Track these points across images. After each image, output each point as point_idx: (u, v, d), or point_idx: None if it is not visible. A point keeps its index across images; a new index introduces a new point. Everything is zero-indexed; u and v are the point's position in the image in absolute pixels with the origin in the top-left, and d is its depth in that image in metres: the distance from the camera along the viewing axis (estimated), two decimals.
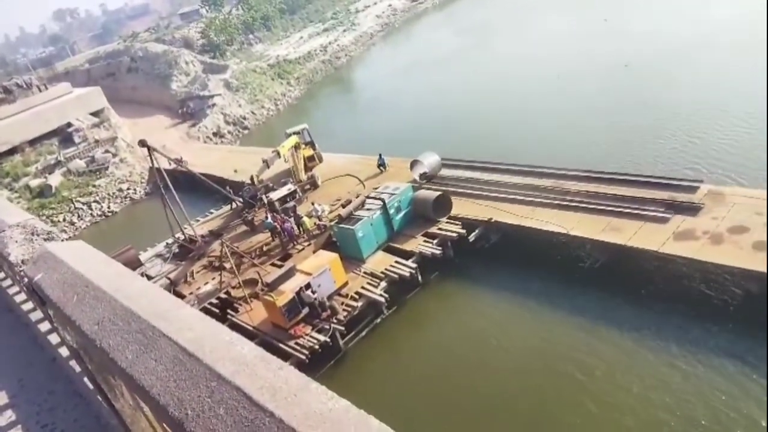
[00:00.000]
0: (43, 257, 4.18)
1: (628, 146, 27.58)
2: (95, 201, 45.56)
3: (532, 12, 66.88)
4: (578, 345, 16.93)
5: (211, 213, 33.62)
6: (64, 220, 43.57)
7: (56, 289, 3.66)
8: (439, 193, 23.78)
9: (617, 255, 19.13)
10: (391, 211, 23.56)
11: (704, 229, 18.01)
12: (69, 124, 50.68)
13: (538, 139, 31.63)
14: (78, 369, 5.03)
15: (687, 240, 17.75)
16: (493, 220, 22.45)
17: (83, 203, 45.20)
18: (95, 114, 52.94)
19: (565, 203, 21.92)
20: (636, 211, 19.87)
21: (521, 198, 23.30)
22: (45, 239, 5.13)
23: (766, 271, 15.03)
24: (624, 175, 22.63)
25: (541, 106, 36.24)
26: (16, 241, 4.94)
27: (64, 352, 5.60)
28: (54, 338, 5.82)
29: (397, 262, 22.04)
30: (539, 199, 22.77)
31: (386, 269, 21.72)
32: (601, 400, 14.93)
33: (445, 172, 27.79)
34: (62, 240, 4.93)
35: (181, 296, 24.60)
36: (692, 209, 19.16)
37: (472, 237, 22.56)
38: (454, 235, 22.54)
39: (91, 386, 4.56)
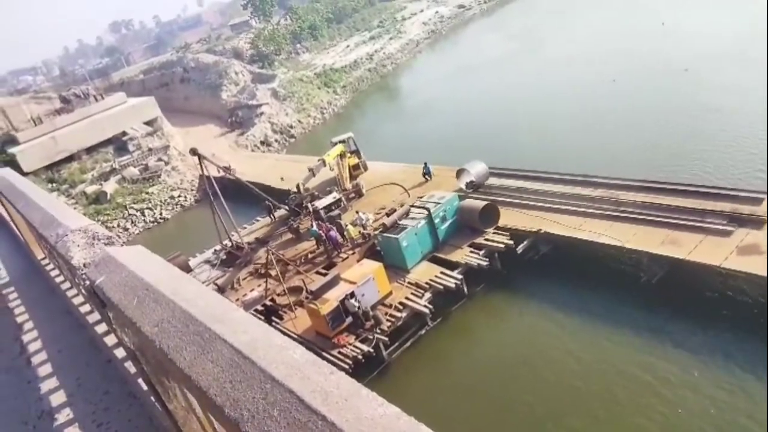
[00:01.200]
0: (104, 261, 4.43)
1: (686, 154, 26.57)
2: (148, 208, 47.61)
3: (582, 15, 65.54)
4: (635, 364, 16.35)
5: (258, 221, 34.44)
6: (118, 225, 45.72)
7: (117, 291, 3.88)
8: (486, 202, 23.59)
9: (676, 270, 18.40)
10: (437, 221, 23.52)
11: None
12: (124, 133, 53.26)
13: (591, 146, 30.91)
14: (133, 370, 5.27)
15: (751, 254, 16.87)
16: (542, 232, 22.08)
17: (137, 210, 47.33)
18: (149, 123, 55.38)
19: (618, 214, 21.35)
20: (696, 224, 19.08)
21: (572, 208, 22.82)
22: (105, 244, 5.42)
23: (766, 275, 14.91)
24: (683, 185, 21.82)
25: (594, 111, 35.41)
26: (78, 245, 5.23)
27: (120, 353, 5.88)
28: (110, 340, 6.13)
29: (442, 272, 21.95)
30: (591, 210, 22.24)
31: (431, 280, 21.67)
32: (667, 424, 14.30)
33: (492, 181, 27.54)
34: (121, 245, 5.20)
35: None
36: (757, 222, 18.23)
37: (520, 248, 22.26)
38: (502, 246, 22.28)
39: (145, 387, 4.78)
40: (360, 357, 18.92)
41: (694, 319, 17.04)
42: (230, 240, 30.25)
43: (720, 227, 18.54)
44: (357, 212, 27.75)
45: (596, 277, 20.42)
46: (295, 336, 21.13)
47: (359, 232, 26.60)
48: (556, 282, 21.27)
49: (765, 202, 18.93)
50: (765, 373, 13.62)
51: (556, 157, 29.81)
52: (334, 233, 25.93)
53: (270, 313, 23.38)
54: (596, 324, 18.44)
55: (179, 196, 48.83)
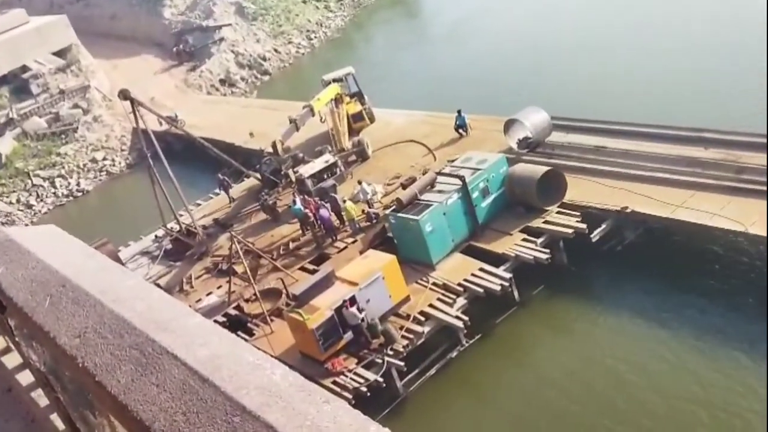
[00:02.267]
0: (1, 247, 4.51)
1: None
2: (60, 175, 48.03)
3: None
4: (740, 411, 16.44)
5: (216, 195, 34.63)
6: (18, 201, 46.23)
7: (21, 289, 3.95)
8: (547, 168, 23.55)
9: None
10: (475, 195, 23.57)
11: None
12: (24, 68, 53.44)
13: (697, 87, 30.59)
14: (44, 402, 5.37)
15: None
16: (628, 210, 22.05)
17: (44, 178, 47.78)
18: (60, 54, 55.46)
19: (739, 185, 21.16)
20: None
21: (672, 177, 22.69)
22: (2, 223, 5.48)
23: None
24: None
25: (697, 37, 34.97)
26: None
27: (24, 378, 5.98)
28: (12, 359, 6.24)
29: (482, 269, 22.05)
30: (700, 180, 22.10)
31: (466, 280, 21.78)
32: None
33: (555, 137, 27.45)
34: (25, 225, 5.28)
35: None
36: None
37: (596, 234, 22.25)
38: (570, 231, 22.31)
39: (61, 427, 4.88)
40: (364, 389, 19.09)
41: None
42: (178, 222, 30.45)
43: None
44: (359, 182, 27.82)
45: (706, 275, 20.31)
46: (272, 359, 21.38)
47: (363, 210, 26.67)
48: (646, 282, 21.21)
49: None
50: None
51: (646, 104, 29.53)
52: (326, 212, 26.07)
53: (235, 327, 23.56)
54: (703, 343, 18.48)
55: (104, 159, 49.14)
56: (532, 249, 22.18)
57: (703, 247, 21.48)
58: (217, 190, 34.83)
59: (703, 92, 30.13)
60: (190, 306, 24.91)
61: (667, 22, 38.94)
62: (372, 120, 35.33)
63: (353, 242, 25.64)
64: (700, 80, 31.42)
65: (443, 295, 21.59)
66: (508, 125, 27.76)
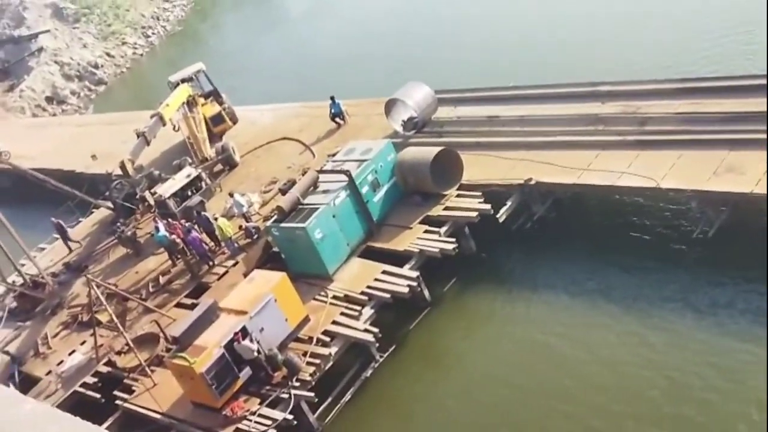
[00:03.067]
0: None
1: (732, 33, 27.90)
2: None
3: None
4: (694, 369, 17.20)
5: (72, 227, 33.22)
6: None
7: None
8: (439, 149, 23.82)
9: (741, 211, 19.29)
10: (364, 190, 23.64)
11: None
12: None
13: (583, 39, 31.90)
14: None
15: None
16: (533, 182, 22.60)
17: None
18: None
19: (645, 138, 22.08)
20: (762, 134, 20.02)
21: (574, 139, 23.42)
22: None
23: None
24: (734, 77, 22.68)
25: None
26: None
27: None
28: None
29: (386, 272, 22.10)
30: (603, 137, 22.90)
31: (370, 287, 21.79)
32: None
33: (442, 112, 27.88)
34: None
35: (33, 380, 24.36)
36: None
37: (502, 214, 22.70)
38: (474, 215, 22.64)
39: None
40: (273, 431, 18.76)
41: None
42: (20, 274, 29.12)
43: None
44: (231, 194, 27.41)
45: (624, 241, 21.13)
46: (159, 416, 20.66)
47: (240, 226, 26.28)
48: (564, 258, 21.88)
49: None
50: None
51: (534, 66, 30.51)
52: (195, 235, 25.48)
53: (110, 385, 22.77)
54: (630, 317, 19.18)
55: None
56: (437, 240, 22.35)
57: (617, 211, 22.35)
58: (55, 235, 33.36)
59: (590, 43, 31.44)
60: (50, 372, 24.04)
61: None
62: (234, 121, 34.89)
63: (234, 265, 25.17)
64: (585, 30, 32.76)
65: (347, 308, 21.50)
66: (390, 106, 27.93)
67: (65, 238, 31.54)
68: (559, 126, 24.50)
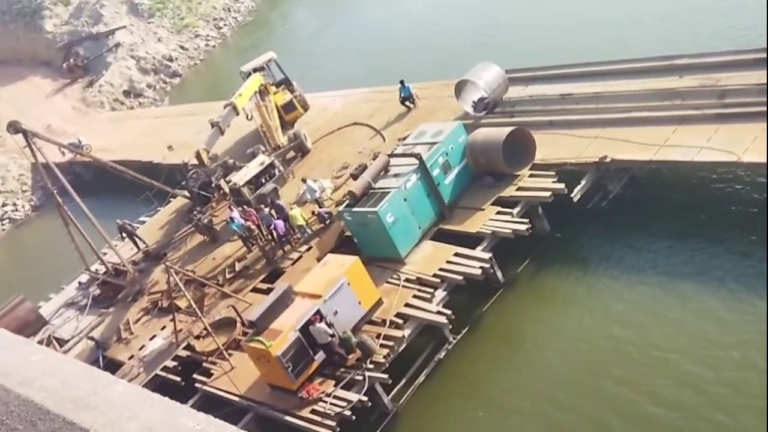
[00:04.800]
0: None
1: None
2: None
3: None
4: None
5: (144, 222, 34.21)
6: None
7: None
8: (511, 128, 23.70)
9: None
10: (435, 172, 23.70)
11: None
12: None
13: (657, 12, 31.15)
14: None
15: None
16: (608, 159, 22.34)
17: None
18: None
19: (724, 111, 21.54)
20: None
21: (650, 115, 23.04)
22: None
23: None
24: None
25: None
26: None
27: None
28: None
29: (458, 254, 22.17)
30: (681, 112, 22.48)
31: (442, 269, 21.89)
32: None
33: (513, 92, 27.73)
34: None
35: (117, 364, 25.25)
36: None
37: (576, 193, 22.52)
38: (547, 194, 22.53)
39: None
40: (348, 413, 19.06)
41: None
42: (103, 263, 30.09)
43: None
44: (304, 180, 27.79)
45: (704, 219, 20.77)
46: (237, 398, 21.21)
47: (313, 212, 26.66)
48: (641, 237, 21.57)
49: None
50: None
51: (607, 40, 30.11)
52: (279, 222, 25.85)
53: (189, 369, 23.41)
54: (715, 296, 18.78)
55: (4, 205, 48.22)
56: (509, 221, 22.31)
57: (696, 186, 21.89)
58: (144, 216, 34.38)
59: (665, 15, 30.66)
60: (133, 356, 24.90)
61: None
62: (306, 108, 35.25)
63: (308, 250, 25.60)
64: (659, 5, 32.03)
65: (419, 290, 21.62)
66: (460, 88, 27.88)
67: (132, 237, 32.00)
68: (634, 102, 24.11)
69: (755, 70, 22.37)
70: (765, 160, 19.45)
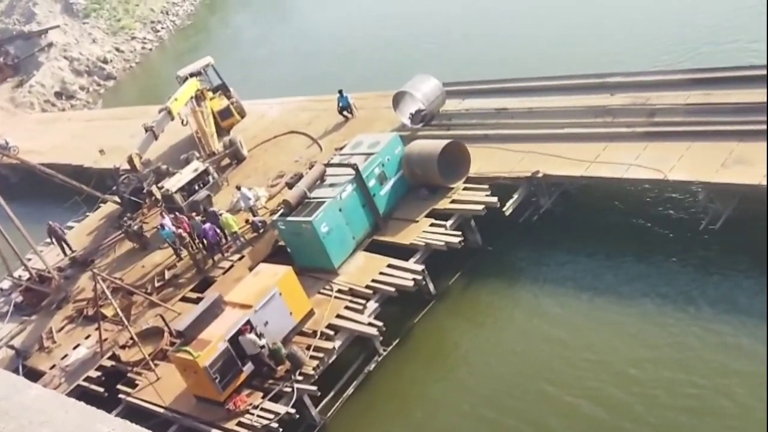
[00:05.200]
0: None
1: (740, 24, 27.83)
2: None
3: None
4: (706, 364, 17.24)
5: (72, 227, 33.48)
6: None
7: None
8: (447, 141, 23.93)
9: (750, 203, 19.33)
10: (371, 183, 23.75)
11: None
12: None
13: (592, 31, 31.94)
14: None
15: None
16: (540, 174, 22.68)
17: None
18: None
19: (653, 129, 22.13)
20: None
21: (582, 131, 23.49)
22: None
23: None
24: (742, 68, 22.76)
25: None
26: None
27: None
28: None
29: (391, 266, 22.21)
30: (611, 129, 22.98)
31: (375, 280, 21.90)
32: None
33: (450, 105, 27.97)
34: None
35: (38, 374, 24.60)
36: None
37: (509, 207, 22.79)
38: (480, 208, 22.72)
39: None
40: (275, 425, 18.89)
41: None
42: (27, 268, 29.38)
43: None
44: (238, 188, 27.56)
45: (632, 233, 21.23)
46: (162, 410, 20.85)
47: (246, 220, 26.46)
48: (571, 251, 21.97)
49: None
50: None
51: (543, 57, 30.61)
52: (209, 227, 25.58)
53: (114, 379, 22.95)
54: (639, 309, 19.23)
55: None
56: (443, 234, 22.46)
57: (626, 202, 22.36)
58: (72, 221, 33.64)
59: (599, 34, 31.45)
60: (55, 366, 24.28)
61: None
62: (242, 115, 35.02)
63: (240, 259, 25.38)
64: (594, 21, 32.80)
65: (351, 301, 21.61)
66: (397, 99, 28.03)
67: (61, 242, 31.19)
68: (567, 118, 24.53)
69: (683, 90, 23.17)
70: (691, 179, 20.07)
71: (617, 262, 21.00)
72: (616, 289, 20.27)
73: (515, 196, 23.03)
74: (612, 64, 26.61)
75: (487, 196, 22.97)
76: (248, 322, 20.08)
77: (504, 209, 22.66)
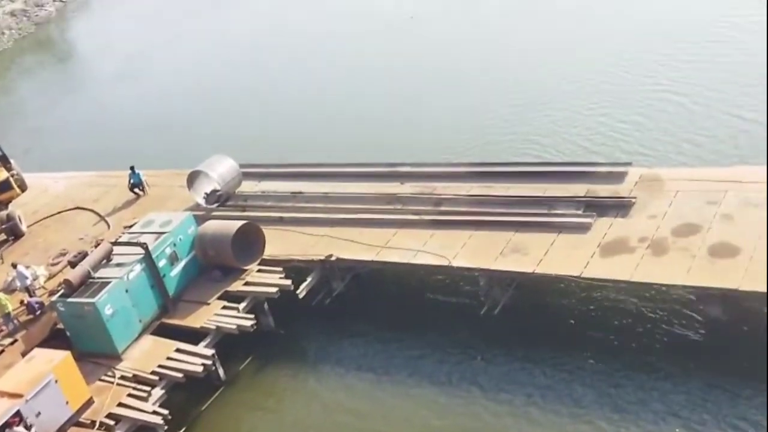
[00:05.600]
0: None
1: (519, 123, 30.52)
2: None
3: None
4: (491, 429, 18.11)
5: None
6: None
7: None
8: (242, 223, 23.92)
9: (525, 289, 20.80)
10: (162, 263, 23.25)
11: (641, 234, 20.38)
12: None
13: (382, 123, 33.64)
14: None
15: (619, 254, 19.95)
16: (333, 258, 23.15)
17: None
18: None
19: (440, 218, 23.40)
20: (544, 218, 21.87)
21: (374, 217, 24.34)
22: None
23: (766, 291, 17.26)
24: (521, 165, 24.92)
25: (372, 75, 38.89)
26: None
27: None
28: None
29: (179, 350, 21.63)
30: (401, 216, 24.01)
31: (161, 366, 21.19)
32: None
33: (246, 186, 28.16)
34: None
35: None
36: (621, 206, 21.62)
37: (302, 290, 23.01)
38: (274, 290, 22.75)
39: None
40: None
41: (561, 357, 19.42)
42: None
43: (574, 219, 21.52)
44: (14, 266, 25.93)
45: (420, 316, 22.12)
46: None
47: (21, 301, 24.91)
48: (362, 333, 22.42)
49: (628, 178, 22.65)
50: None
51: (340, 144, 31.85)
52: None
53: None
54: (426, 392, 19.84)
55: None
56: (234, 317, 22.23)
57: (415, 287, 23.20)
58: None
59: (393, 126, 33.13)
60: None
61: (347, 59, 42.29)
62: (23, 188, 32.98)
63: (12, 343, 23.63)
64: (388, 111, 34.52)
65: (135, 389, 20.71)
66: (192, 178, 27.83)
67: None
68: (360, 204, 25.40)
69: (467, 182, 24.84)
70: (473, 266, 21.25)
71: (406, 343, 21.58)
72: (403, 370, 20.76)
73: (309, 279, 23.29)
74: (404, 154, 27.85)
75: (281, 278, 23.03)
76: (18, 413, 18.62)
77: (297, 292, 22.83)
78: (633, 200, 21.67)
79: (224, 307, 22.71)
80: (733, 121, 26.75)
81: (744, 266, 18.03)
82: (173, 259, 23.67)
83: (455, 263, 21.36)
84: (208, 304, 23.00)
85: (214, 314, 22.51)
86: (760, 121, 25.72)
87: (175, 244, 23.77)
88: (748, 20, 32.29)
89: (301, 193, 27.08)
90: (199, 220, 25.15)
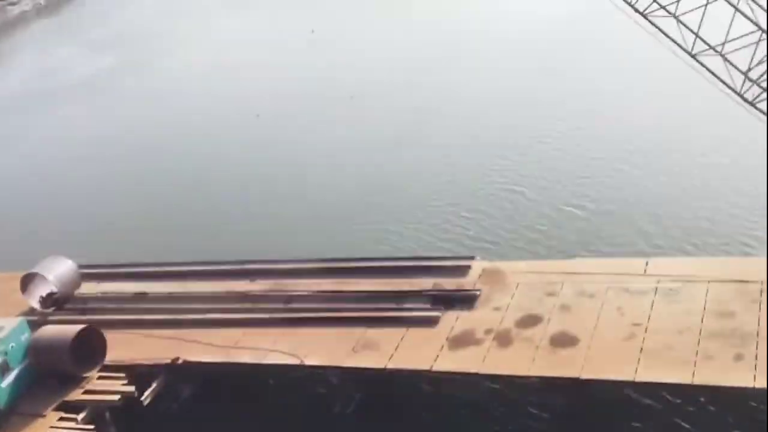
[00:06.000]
0: None
1: (368, 222, 31.23)
2: None
3: (202, 15, 72.63)
4: None
5: None
6: None
7: None
8: (81, 326, 22.87)
9: (377, 385, 20.85)
10: None
11: (487, 326, 21.08)
12: None
13: (231, 219, 33.68)
14: None
15: (467, 346, 20.49)
16: (180, 361, 22.43)
17: None
18: None
19: (291, 315, 23.31)
20: (394, 313, 22.22)
21: (223, 317, 23.98)
22: None
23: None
24: (371, 260, 25.37)
25: (234, 161, 39.05)
26: None
27: None
28: None
29: None
30: (251, 315, 23.74)
31: None
32: None
33: (86, 288, 27.15)
34: None
35: None
36: (467, 299, 22.33)
37: (147, 396, 22.07)
38: (116, 398, 21.73)
39: None
40: None
41: None
42: None
43: (423, 313, 22.01)
44: None
45: (274, 418, 21.70)
46: None
47: None
48: None
49: (472, 271, 23.41)
50: None
51: (187, 243, 31.47)
52: None
53: None
54: None
55: None
56: (73, 429, 21.01)
57: (267, 388, 22.75)
58: None
59: (232, 223, 33.05)
60: None
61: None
62: None
63: None
64: (235, 207, 34.49)
65: None
66: (27, 281, 26.68)
67: None
68: (208, 303, 24.99)
69: (317, 278, 24.93)
70: (325, 363, 21.15)
71: None
72: None
73: (154, 384, 22.34)
74: (253, 251, 27.76)
75: (124, 385, 22.01)
76: None
77: (142, 398, 21.85)
78: (477, 293, 22.43)
79: (61, 419, 21.37)
80: (567, 212, 28.56)
81: (583, 354, 18.96)
82: (4, 369, 22.22)
83: (308, 362, 21.18)
84: (44, 416, 21.60)
85: (50, 427, 21.15)
86: (593, 211, 27.63)
87: (6, 353, 22.34)
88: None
89: (145, 293, 26.33)
90: (34, 325, 23.85)
